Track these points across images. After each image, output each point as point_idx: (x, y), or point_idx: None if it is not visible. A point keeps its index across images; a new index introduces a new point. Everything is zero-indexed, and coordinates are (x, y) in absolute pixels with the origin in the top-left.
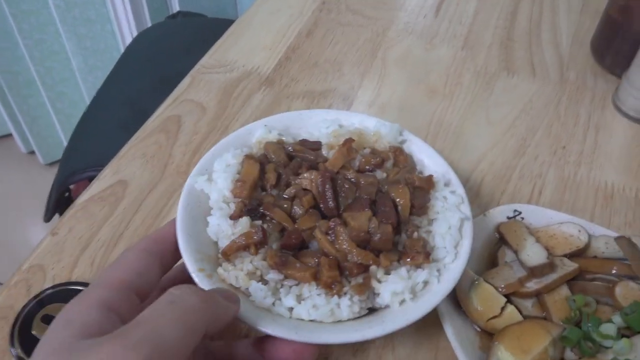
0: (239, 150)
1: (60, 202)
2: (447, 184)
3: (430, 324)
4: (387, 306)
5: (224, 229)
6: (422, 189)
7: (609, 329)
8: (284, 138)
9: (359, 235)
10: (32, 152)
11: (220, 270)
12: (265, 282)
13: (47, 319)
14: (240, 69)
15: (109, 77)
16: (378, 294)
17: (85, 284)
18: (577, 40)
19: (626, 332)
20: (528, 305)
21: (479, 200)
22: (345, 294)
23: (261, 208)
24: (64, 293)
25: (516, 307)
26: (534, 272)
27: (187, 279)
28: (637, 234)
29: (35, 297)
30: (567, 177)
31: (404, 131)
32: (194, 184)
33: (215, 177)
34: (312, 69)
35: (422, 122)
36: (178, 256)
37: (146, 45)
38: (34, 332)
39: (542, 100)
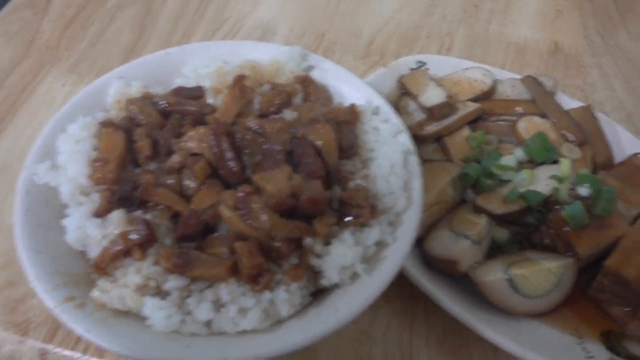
0: (89, 117)
1: None
2: (375, 112)
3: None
4: (335, 284)
5: (90, 232)
6: (347, 124)
7: (509, 160)
8: (150, 90)
9: (280, 202)
10: None
11: (95, 293)
12: (164, 295)
13: None
14: None
15: None
16: (320, 272)
17: None
18: None
19: (528, 166)
20: (429, 150)
21: (384, 60)
22: (277, 284)
23: (138, 192)
24: None
25: None
26: (433, 112)
27: None
28: (543, 74)
29: None
30: (477, 34)
31: (308, 55)
32: (32, 177)
33: (63, 161)
34: None
35: None
36: None
37: None
38: None
39: None
